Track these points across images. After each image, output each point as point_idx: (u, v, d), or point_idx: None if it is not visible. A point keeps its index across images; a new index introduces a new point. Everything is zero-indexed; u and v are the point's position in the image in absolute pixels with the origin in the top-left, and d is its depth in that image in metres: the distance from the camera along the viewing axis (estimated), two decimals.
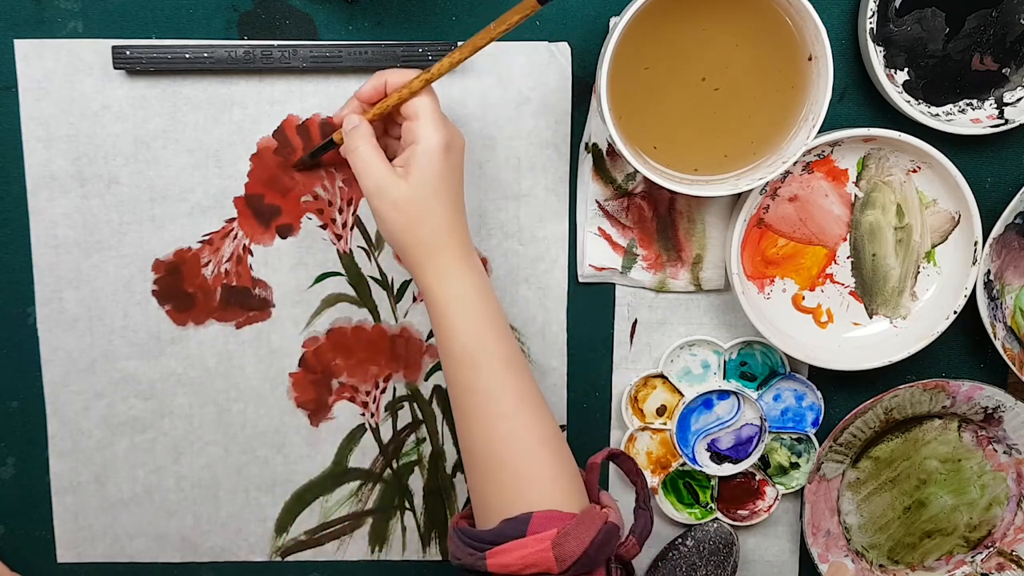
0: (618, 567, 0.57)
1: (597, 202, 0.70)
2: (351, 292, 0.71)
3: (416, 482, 0.75)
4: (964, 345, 0.74)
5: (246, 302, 0.71)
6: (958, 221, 0.69)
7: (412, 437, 0.74)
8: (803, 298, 0.71)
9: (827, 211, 0.69)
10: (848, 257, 0.70)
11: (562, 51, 0.68)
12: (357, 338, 0.72)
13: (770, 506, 0.75)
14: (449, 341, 0.58)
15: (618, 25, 0.58)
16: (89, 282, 0.70)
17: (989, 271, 0.70)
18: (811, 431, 0.74)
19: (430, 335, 0.72)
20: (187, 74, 0.67)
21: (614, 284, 0.72)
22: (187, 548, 0.75)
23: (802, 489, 0.74)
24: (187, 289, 0.70)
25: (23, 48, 0.66)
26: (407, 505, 0.75)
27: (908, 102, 0.67)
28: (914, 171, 0.69)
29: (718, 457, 0.74)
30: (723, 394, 0.73)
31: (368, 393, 0.73)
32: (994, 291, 0.71)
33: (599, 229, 0.70)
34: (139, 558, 0.74)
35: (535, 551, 0.54)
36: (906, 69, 0.67)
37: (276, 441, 0.73)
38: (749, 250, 0.70)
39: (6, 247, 0.69)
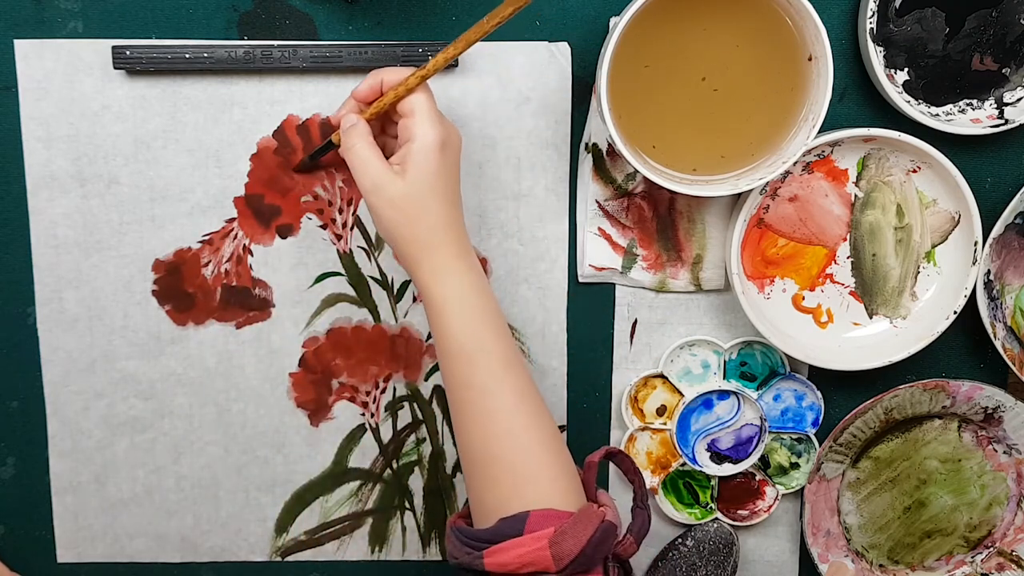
0: (616, 566, 0.57)
1: (597, 202, 0.70)
2: (351, 292, 0.71)
3: (416, 482, 0.75)
4: (964, 345, 0.74)
5: (246, 302, 0.71)
6: (958, 221, 0.69)
7: (412, 437, 0.74)
8: (803, 298, 0.71)
9: (827, 211, 0.69)
10: (848, 257, 0.70)
11: (562, 51, 0.68)
12: (357, 338, 0.72)
13: (770, 506, 0.75)
14: (446, 339, 0.58)
15: (618, 25, 0.58)
16: (89, 282, 0.70)
17: (989, 271, 0.70)
18: (811, 431, 0.73)
19: (430, 335, 0.72)
20: (187, 74, 0.67)
21: (614, 284, 0.72)
22: (187, 548, 0.75)
23: (802, 489, 0.74)
24: (187, 289, 0.70)
25: (23, 48, 0.66)
26: (407, 505, 0.75)
27: (908, 102, 0.67)
28: (914, 171, 0.69)
29: (718, 457, 0.74)
30: (723, 394, 0.73)
31: (368, 393, 0.73)
32: (994, 291, 0.71)
33: (599, 229, 0.70)
34: (139, 558, 0.74)
35: (532, 550, 0.54)
36: (906, 69, 0.67)
37: (276, 441, 0.73)
38: (749, 250, 0.70)
39: (6, 247, 0.69)
